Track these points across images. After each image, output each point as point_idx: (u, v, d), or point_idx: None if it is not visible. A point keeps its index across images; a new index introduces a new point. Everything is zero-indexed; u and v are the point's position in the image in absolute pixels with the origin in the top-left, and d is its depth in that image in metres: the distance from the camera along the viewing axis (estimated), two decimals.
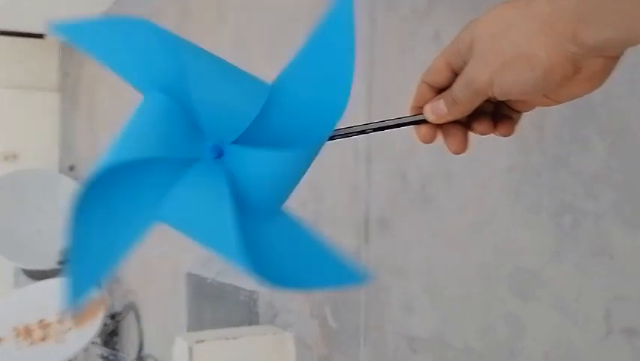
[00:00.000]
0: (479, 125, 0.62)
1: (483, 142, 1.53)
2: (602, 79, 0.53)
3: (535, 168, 1.38)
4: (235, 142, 0.58)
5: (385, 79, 1.79)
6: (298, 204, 2.06)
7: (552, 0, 0.50)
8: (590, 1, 0.47)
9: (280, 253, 0.59)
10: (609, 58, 0.51)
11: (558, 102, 0.57)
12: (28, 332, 3.46)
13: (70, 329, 3.45)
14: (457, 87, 0.58)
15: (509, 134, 0.63)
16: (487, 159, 1.48)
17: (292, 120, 0.60)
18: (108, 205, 0.57)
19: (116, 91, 3.98)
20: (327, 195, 2.03)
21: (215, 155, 0.58)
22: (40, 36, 4.59)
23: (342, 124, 0.62)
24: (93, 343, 3.53)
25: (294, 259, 0.60)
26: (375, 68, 1.82)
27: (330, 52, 0.60)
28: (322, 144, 0.60)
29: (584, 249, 1.29)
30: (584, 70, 0.52)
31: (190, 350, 2.15)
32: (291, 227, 0.61)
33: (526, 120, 1.41)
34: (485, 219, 1.50)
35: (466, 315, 1.55)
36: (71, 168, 4.59)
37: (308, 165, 0.60)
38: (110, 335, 3.89)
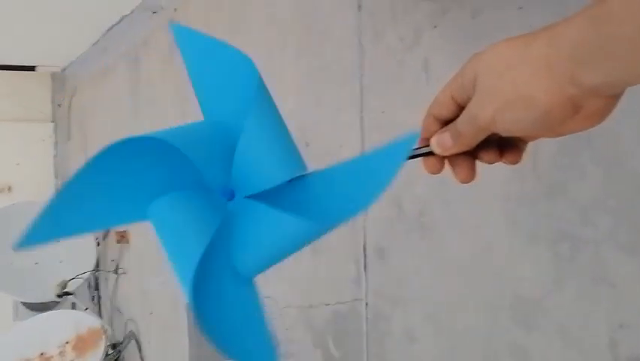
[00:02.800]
0: (486, 155, 0.63)
1: (478, 170, 1.51)
2: (603, 117, 0.54)
3: (532, 195, 1.37)
4: (249, 197, 0.60)
5: (376, 108, 1.78)
6: None
7: (550, 42, 0.51)
8: (587, 44, 0.48)
9: (225, 316, 0.60)
10: (609, 97, 0.52)
11: (560, 135, 0.58)
12: None
13: None
14: (461, 122, 0.59)
15: (516, 163, 0.64)
16: (484, 187, 1.47)
17: (306, 204, 0.61)
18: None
19: (107, 121, 3.97)
20: None
21: (227, 197, 0.61)
22: (31, 68, 4.58)
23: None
24: None
25: (234, 326, 0.61)
26: (365, 97, 1.81)
27: (371, 173, 0.62)
28: (323, 232, 0.60)
29: (585, 277, 1.27)
30: (583, 109, 0.52)
31: None
32: (247, 301, 0.62)
33: None
34: (484, 248, 1.48)
35: (470, 344, 1.53)
36: None
37: (299, 245, 0.60)
38: None
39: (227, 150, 0.60)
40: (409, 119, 1.66)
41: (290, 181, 0.61)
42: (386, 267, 1.78)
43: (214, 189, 0.61)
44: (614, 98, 0.52)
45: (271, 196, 0.60)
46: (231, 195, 0.61)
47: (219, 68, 0.62)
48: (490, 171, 1.44)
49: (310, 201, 0.61)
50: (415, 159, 0.64)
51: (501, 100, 0.54)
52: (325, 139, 1.99)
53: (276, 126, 0.61)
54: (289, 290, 2.21)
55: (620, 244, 1.21)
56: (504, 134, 0.57)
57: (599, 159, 1.24)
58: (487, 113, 0.55)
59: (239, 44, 0.61)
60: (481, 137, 0.59)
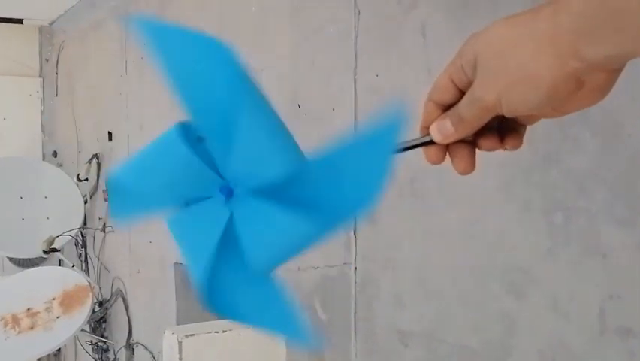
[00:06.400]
0: (486, 142, 0.61)
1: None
2: (606, 91, 0.54)
3: (526, 165, 1.36)
4: (248, 191, 0.59)
5: (370, 71, 1.76)
6: None
7: (553, 17, 0.50)
8: (590, 18, 0.47)
9: (246, 303, 0.63)
10: (611, 71, 0.51)
11: (565, 114, 0.57)
12: (15, 321, 3.44)
13: (58, 317, 3.42)
14: (464, 106, 0.57)
15: (518, 147, 0.62)
16: (477, 155, 1.45)
17: (309, 199, 0.59)
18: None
19: (95, 77, 3.92)
20: None
21: (225, 195, 0.60)
22: (19, 21, 4.50)
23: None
24: (82, 330, 3.51)
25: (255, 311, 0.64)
26: (359, 59, 1.79)
27: (367, 159, 0.59)
28: (329, 231, 0.59)
29: (577, 247, 1.27)
30: (587, 84, 0.52)
31: (180, 344, 2.14)
32: (267, 291, 0.63)
33: None
34: (476, 216, 1.48)
35: (459, 311, 1.53)
36: (55, 154, 4.54)
37: (309, 242, 0.59)
38: (99, 322, 3.87)
39: (220, 148, 0.59)
40: (404, 82, 1.64)
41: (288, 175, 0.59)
42: (376, 232, 1.78)
43: (214, 188, 0.61)
44: (615, 72, 0.52)
45: (272, 192, 0.58)
46: (229, 193, 0.60)
47: (195, 62, 0.57)
48: None
49: (310, 195, 0.59)
50: (417, 150, 0.63)
51: (506, 80, 0.53)
52: (318, 102, 1.96)
53: (269, 117, 0.59)
54: None
55: (614, 215, 1.21)
56: (509, 114, 0.56)
57: (596, 130, 1.23)
58: (492, 95, 0.54)
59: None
60: (485, 120, 0.57)
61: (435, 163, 0.63)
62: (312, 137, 1.78)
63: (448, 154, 0.62)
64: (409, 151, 0.63)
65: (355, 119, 1.81)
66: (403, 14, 1.64)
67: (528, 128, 1.31)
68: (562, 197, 1.29)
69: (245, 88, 0.57)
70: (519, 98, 0.53)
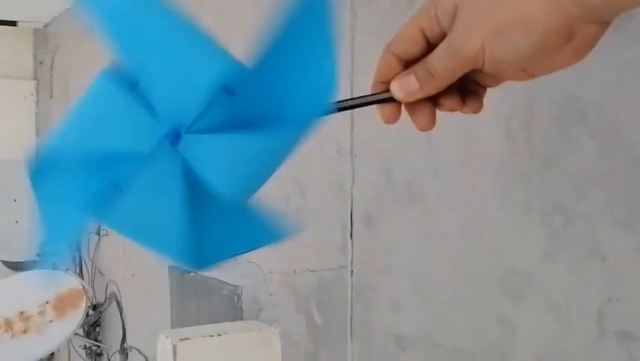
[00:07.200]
0: (447, 101, 0.56)
1: (470, 141, 1.49)
2: (588, 49, 0.50)
3: (525, 167, 1.35)
4: (192, 126, 0.51)
5: (367, 74, 1.75)
6: (281, 199, 2.03)
7: None
8: None
9: (225, 237, 0.59)
10: (602, 24, 0.48)
11: (533, 76, 0.53)
12: (8, 324, 3.42)
13: (51, 321, 3.40)
14: (437, 59, 0.52)
15: (479, 111, 0.57)
16: (476, 158, 1.45)
17: (264, 105, 0.52)
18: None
19: (90, 78, 3.90)
20: (310, 190, 1.99)
21: (171, 141, 0.52)
22: (13, 23, 4.48)
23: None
24: (75, 334, 3.49)
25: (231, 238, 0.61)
26: (356, 62, 1.78)
27: (307, 36, 0.53)
28: (300, 132, 0.53)
29: (576, 250, 1.26)
30: (576, 37, 0.48)
31: (174, 347, 2.12)
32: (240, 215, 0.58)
33: (514, 120, 1.38)
34: (474, 219, 1.47)
35: (456, 315, 1.52)
36: None
37: (281, 155, 0.53)
38: (93, 326, 3.85)
39: (157, 87, 0.52)
40: None
41: (225, 91, 0.51)
42: (373, 235, 1.77)
43: (154, 137, 0.52)
44: (605, 25, 0.48)
45: (220, 120, 0.51)
46: (176, 137, 0.52)
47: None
48: (483, 141, 1.42)
49: (260, 107, 0.53)
50: (372, 106, 0.58)
51: (493, 25, 0.48)
52: None
53: (185, 27, 0.52)
54: (273, 256, 2.19)
55: (613, 217, 1.20)
56: (490, 68, 0.50)
57: (594, 132, 1.22)
58: (476, 43, 0.49)
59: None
60: (459, 75, 0.52)
61: (389, 122, 0.57)
62: (310, 141, 1.77)
63: (406, 111, 0.57)
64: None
65: (352, 121, 1.80)
66: (399, 15, 1.63)
67: (525, 127, 1.29)
68: (560, 200, 1.28)
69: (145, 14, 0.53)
70: (507, 45, 0.48)
